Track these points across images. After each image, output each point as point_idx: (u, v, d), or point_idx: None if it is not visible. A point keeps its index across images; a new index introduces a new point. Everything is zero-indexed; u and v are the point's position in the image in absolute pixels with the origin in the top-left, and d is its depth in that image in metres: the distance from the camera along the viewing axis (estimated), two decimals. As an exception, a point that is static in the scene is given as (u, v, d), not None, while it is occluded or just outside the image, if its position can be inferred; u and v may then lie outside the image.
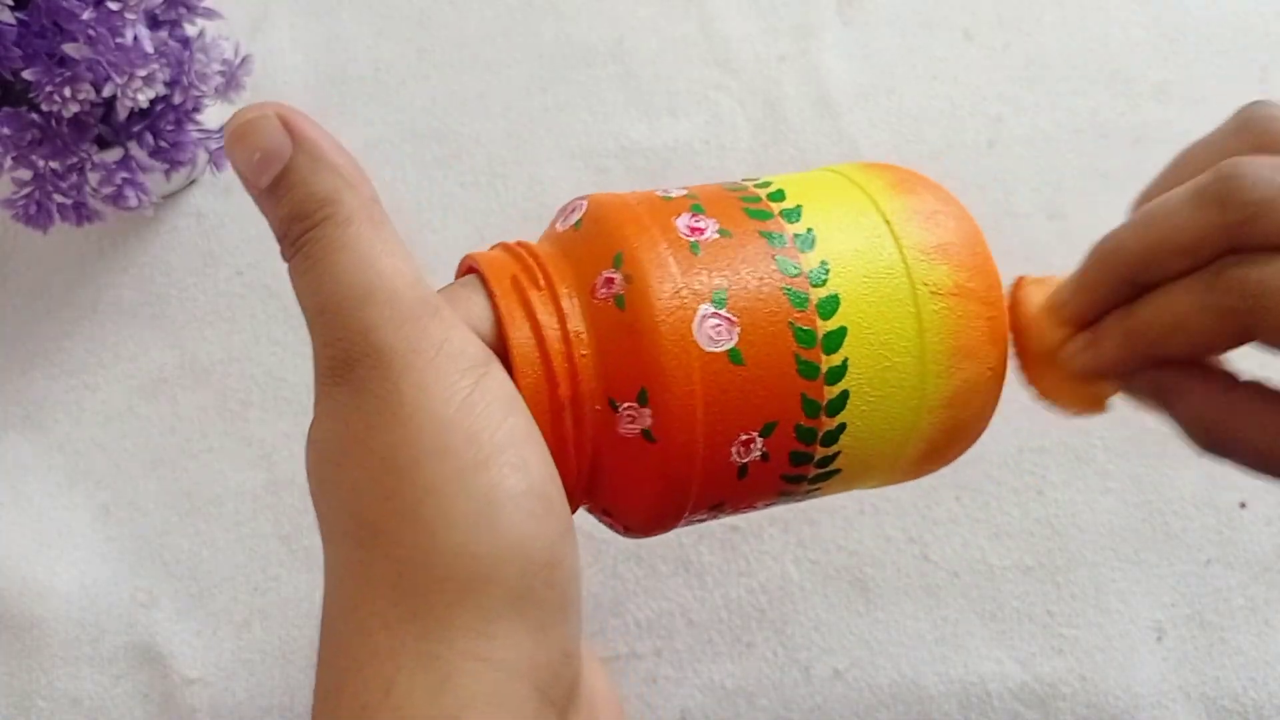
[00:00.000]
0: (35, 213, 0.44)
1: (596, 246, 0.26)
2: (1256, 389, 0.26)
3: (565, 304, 0.26)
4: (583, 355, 0.25)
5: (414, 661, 0.22)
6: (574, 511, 0.27)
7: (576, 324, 0.26)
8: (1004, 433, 0.33)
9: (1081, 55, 0.54)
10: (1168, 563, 0.44)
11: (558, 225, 0.28)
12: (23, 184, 0.44)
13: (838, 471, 0.28)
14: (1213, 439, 0.26)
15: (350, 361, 0.23)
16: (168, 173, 0.47)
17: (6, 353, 0.49)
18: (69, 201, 0.44)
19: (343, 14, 0.55)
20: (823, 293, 0.26)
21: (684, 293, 0.25)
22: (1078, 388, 0.28)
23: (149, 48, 0.41)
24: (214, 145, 0.48)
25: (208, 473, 0.46)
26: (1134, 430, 0.46)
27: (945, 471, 0.31)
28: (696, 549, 0.44)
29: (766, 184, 0.29)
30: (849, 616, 0.44)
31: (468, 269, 0.28)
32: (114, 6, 0.39)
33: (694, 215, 0.27)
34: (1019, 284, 0.30)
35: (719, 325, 0.25)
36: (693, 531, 0.44)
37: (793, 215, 0.27)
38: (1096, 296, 0.27)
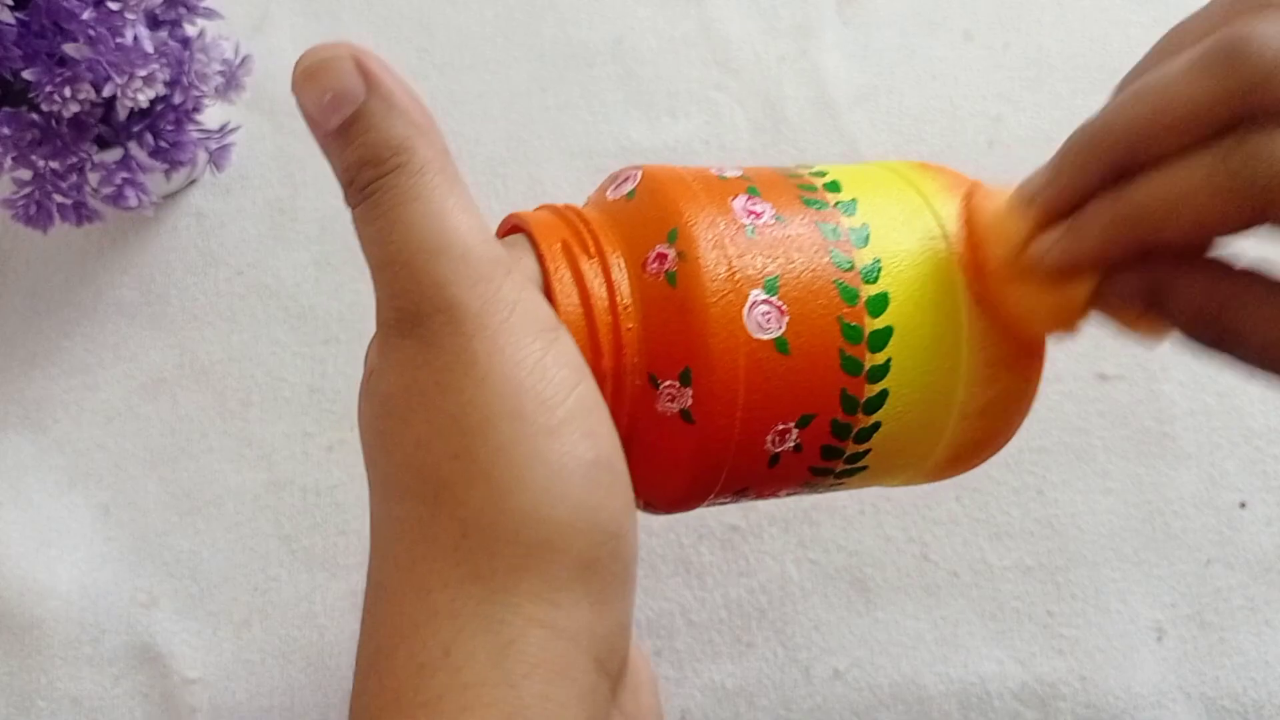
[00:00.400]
0: (35, 213, 0.44)
1: (650, 219, 0.26)
2: (1258, 276, 0.23)
3: (615, 274, 0.25)
4: (629, 329, 0.25)
5: (475, 624, 0.21)
6: None
7: (625, 296, 0.25)
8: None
9: (1081, 55, 0.53)
10: (1168, 563, 0.44)
11: (608, 193, 0.28)
12: (23, 184, 0.44)
13: (864, 468, 0.28)
14: (1215, 333, 0.23)
15: (420, 316, 0.22)
16: (168, 173, 0.47)
17: (6, 353, 0.49)
18: (69, 201, 0.44)
19: (343, 14, 0.55)
20: (873, 290, 0.26)
21: (737, 276, 0.25)
22: (1047, 294, 0.25)
23: (149, 48, 0.41)
24: (214, 145, 0.48)
25: (208, 473, 0.46)
26: (1134, 430, 0.46)
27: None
28: (696, 549, 0.44)
29: (822, 173, 0.28)
30: (849, 616, 0.44)
31: (512, 228, 0.27)
32: (114, 6, 0.39)
33: (750, 198, 0.26)
34: (972, 190, 0.27)
35: (769, 312, 0.25)
36: (693, 531, 0.44)
37: (848, 208, 0.27)
38: (1079, 182, 0.24)
